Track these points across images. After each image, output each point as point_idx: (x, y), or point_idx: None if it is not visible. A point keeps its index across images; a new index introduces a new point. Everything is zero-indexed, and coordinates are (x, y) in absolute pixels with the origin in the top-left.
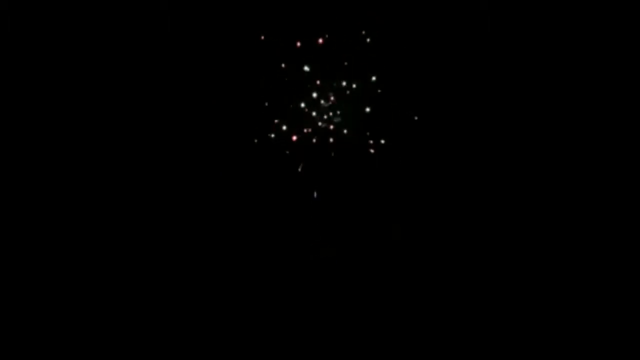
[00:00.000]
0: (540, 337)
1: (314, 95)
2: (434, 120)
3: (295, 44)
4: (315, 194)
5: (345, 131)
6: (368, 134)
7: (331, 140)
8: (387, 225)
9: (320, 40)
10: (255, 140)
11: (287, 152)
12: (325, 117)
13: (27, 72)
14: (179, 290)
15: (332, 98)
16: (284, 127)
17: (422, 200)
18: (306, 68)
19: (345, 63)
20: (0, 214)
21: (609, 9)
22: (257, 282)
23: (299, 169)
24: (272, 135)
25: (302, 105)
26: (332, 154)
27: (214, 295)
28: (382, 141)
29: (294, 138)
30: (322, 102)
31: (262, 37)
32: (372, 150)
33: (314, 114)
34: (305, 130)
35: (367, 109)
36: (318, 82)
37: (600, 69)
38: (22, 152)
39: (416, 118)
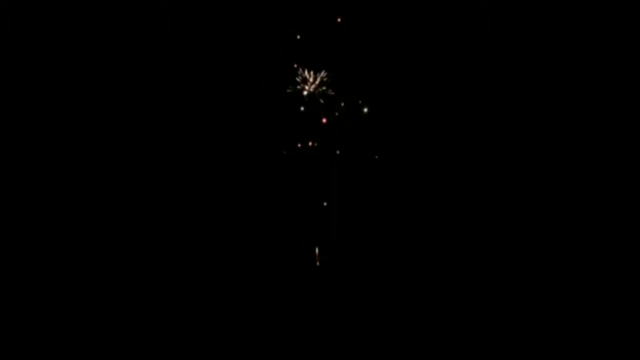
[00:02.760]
0: (540, 337)
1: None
2: (433, 120)
3: (296, 43)
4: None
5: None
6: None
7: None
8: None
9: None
10: (256, 141)
11: (286, 153)
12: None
13: (27, 72)
14: (178, 291)
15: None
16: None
17: (422, 200)
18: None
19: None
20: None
21: (609, 9)
22: (257, 283)
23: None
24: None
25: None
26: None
27: (214, 296)
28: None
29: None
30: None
31: (262, 38)
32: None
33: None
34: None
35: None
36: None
37: (600, 69)
38: (22, 152)
39: (415, 116)
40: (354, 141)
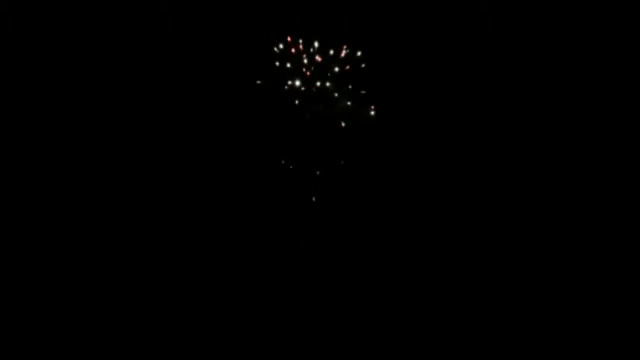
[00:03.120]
0: (540, 336)
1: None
2: (434, 120)
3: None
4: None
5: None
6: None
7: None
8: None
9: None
10: (256, 141)
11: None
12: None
13: (27, 72)
14: (178, 290)
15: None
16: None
17: (422, 200)
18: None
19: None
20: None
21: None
22: (256, 282)
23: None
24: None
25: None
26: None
27: (213, 295)
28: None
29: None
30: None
31: (263, 39)
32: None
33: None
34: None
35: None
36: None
37: (600, 69)
38: (22, 152)
39: (415, 116)
40: (354, 141)
